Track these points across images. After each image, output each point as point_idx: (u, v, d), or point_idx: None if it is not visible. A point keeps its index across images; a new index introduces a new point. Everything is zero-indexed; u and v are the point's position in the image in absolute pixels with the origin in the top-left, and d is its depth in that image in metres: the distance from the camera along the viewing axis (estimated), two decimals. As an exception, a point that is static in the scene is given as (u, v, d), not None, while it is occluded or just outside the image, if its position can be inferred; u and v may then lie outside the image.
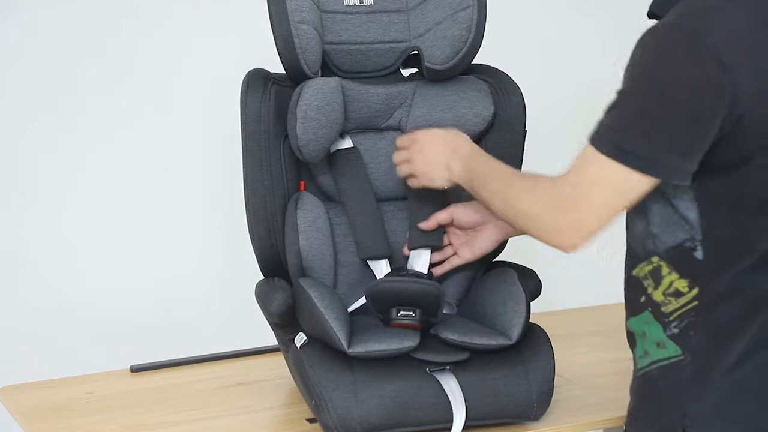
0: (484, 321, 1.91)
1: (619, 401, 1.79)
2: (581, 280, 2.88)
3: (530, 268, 2.00)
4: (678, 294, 1.62)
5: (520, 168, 2.02)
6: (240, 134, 1.96)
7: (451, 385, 1.79)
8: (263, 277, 2.01)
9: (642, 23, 1.60)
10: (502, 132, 2.02)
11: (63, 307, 2.61)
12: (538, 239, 1.65)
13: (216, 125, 2.68)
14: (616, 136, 1.53)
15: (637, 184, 1.54)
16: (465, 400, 1.79)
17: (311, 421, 1.88)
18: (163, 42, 2.66)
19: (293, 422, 1.89)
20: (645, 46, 1.54)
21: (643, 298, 1.67)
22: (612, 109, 1.55)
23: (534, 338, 1.87)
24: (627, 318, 1.71)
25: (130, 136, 2.67)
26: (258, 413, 1.93)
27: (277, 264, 1.98)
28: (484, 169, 1.78)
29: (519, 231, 1.87)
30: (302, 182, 2.00)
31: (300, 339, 1.86)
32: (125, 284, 2.66)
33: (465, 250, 1.99)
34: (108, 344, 2.60)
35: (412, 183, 1.92)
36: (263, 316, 1.97)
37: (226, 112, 2.65)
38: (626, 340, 1.74)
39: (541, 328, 1.89)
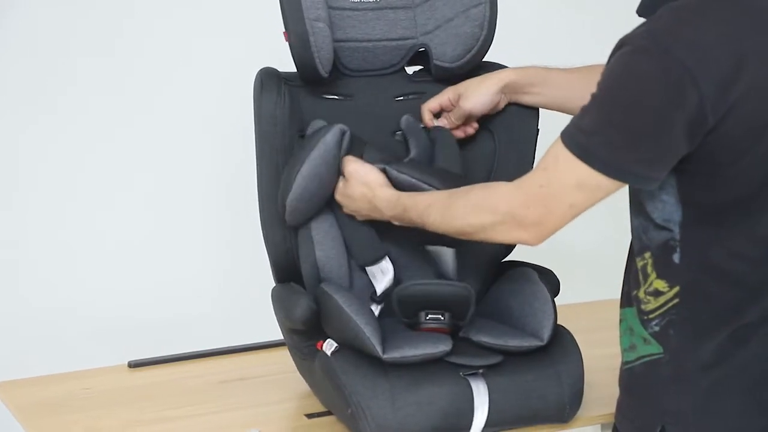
0: (510, 322, 1.88)
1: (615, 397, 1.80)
2: (578, 277, 2.88)
3: (547, 267, 1.98)
4: (657, 293, 1.63)
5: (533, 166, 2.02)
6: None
7: (480, 389, 1.76)
8: (277, 283, 1.96)
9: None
10: (516, 131, 2.01)
11: (61, 303, 2.61)
12: (497, 240, 1.69)
13: (216, 124, 2.69)
14: (584, 139, 1.56)
15: (603, 185, 1.56)
16: (498, 403, 1.76)
17: (310, 416, 1.88)
18: (163, 42, 2.66)
19: (292, 418, 1.89)
20: (617, 56, 1.56)
21: (634, 293, 1.68)
22: (584, 112, 1.58)
23: (561, 338, 1.85)
24: (621, 306, 1.72)
25: (129, 136, 2.66)
26: (256, 408, 1.92)
27: (291, 269, 1.93)
28: (412, 209, 1.79)
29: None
30: None
31: (330, 346, 1.80)
32: (124, 281, 2.66)
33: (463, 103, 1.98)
34: (106, 340, 2.59)
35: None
36: (275, 320, 1.94)
37: (227, 110, 2.66)
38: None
39: (565, 328, 1.88)
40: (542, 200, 1.60)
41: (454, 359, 1.77)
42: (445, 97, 1.99)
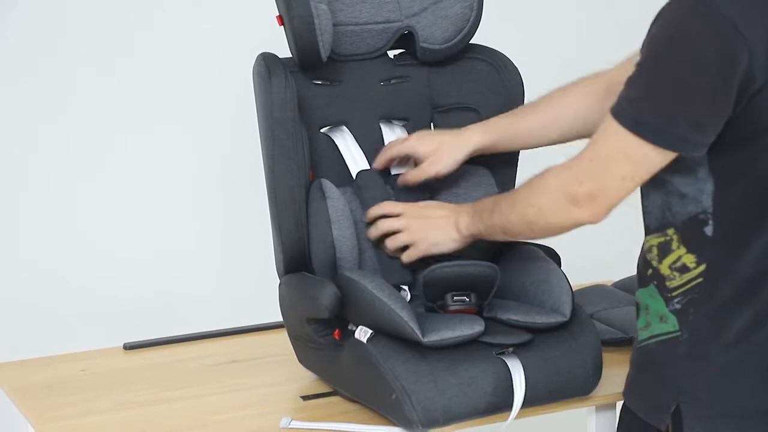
0: (526, 299, 1.87)
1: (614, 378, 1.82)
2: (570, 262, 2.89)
3: (547, 246, 1.97)
4: (684, 269, 1.62)
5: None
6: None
7: (516, 367, 1.76)
8: (285, 274, 1.91)
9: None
10: (502, 107, 2.00)
11: (57, 285, 2.61)
12: (557, 226, 1.67)
13: (209, 110, 2.69)
14: (633, 108, 1.55)
15: (655, 157, 1.55)
16: (532, 380, 1.76)
17: (306, 398, 1.88)
18: (152, 38, 2.66)
19: (288, 399, 1.89)
20: (663, 18, 1.54)
21: (649, 271, 1.67)
22: (631, 81, 1.56)
23: (576, 313, 1.85)
24: (636, 288, 1.72)
25: (123, 121, 2.66)
26: (252, 390, 1.92)
27: (302, 258, 1.89)
28: (490, 202, 1.79)
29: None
30: (312, 171, 1.93)
31: (364, 333, 1.77)
32: (120, 264, 2.66)
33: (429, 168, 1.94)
34: (102, 323, 2.60)
35: (410, 254, 1.88)
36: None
37: (218, 97, 2.67)
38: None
39: (576, 303, 1.87)
40: (593, 174, 1.59)
41: (487, 339, 1.77)
42: (405, 151, 1.95)
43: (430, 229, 1.87)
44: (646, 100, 1.54)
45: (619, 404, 1.79)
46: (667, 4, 1.55)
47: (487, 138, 1.94)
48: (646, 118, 1.54)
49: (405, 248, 1.90)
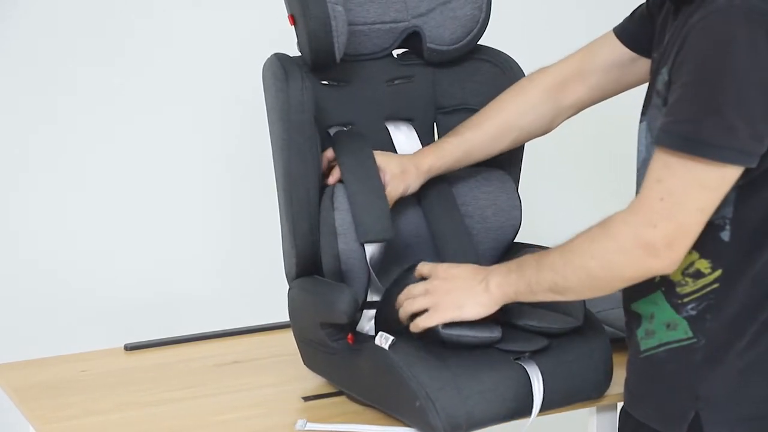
0: (538, 304, 1.84)
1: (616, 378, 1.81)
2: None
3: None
4: (698, 275, 1.60)
5: (523, 147, 2.02)
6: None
7: (535, 373, 1.75)
8: (296, 277, 1.90)
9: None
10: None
11: (57, 285, 2.60)
12: (627, 280, 1.58)
13: (214, 109, 2.68)
14: (693, 131, 1.48)
15: (730, 177, 1.49)
16: (549, 385, 1.74)
17: (307, 399, 1.88)
18: (156, 37, 2.66)
19: (289, 400, 1.89)
20: (701, 32, 1.49)
21: (657, 278, 1.63)
22: (679, 103, 1.50)
23: (586, 316, 1.84)
24: (632, 300, 1.69)
25: (125, 120, 2.66)
26: (253, 391, 1.92)
27: (315, 261, 1.88)
28: (529, 259, 1.67)
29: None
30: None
31: (385, 339, 1.74)
32: (122, 265, 2.66)
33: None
34: (103, 323, 2.59)
35: (423, 322, 1.71)
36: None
37: (224, 97, 2.66)
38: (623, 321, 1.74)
39: (586, 307, 1.86)
40: (668, 213, 1.50)
41: (506, 346, 1.76)
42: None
43: (453, 290, 1.72)
44: (706, 118, 1.47)
45: (619, 405, 1.79)
46: (703, 16, 1.49)
47: (440, 162, 1.93)
48: (712, 138, 1.46)
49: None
